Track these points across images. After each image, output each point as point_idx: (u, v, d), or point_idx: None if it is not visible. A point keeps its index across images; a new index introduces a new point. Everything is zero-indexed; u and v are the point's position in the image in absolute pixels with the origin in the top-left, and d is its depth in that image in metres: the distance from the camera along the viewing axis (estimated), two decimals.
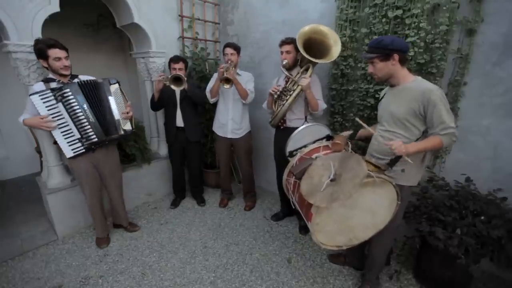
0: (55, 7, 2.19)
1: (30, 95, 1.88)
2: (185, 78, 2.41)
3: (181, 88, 2.43)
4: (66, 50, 1.96)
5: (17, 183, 3.71)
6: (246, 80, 2.62)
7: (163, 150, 3.26)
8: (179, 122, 2.77)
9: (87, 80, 2.05)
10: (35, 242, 2.43)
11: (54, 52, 1.88)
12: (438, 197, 1.91)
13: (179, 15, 3.04)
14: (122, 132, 2.18)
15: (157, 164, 3.19)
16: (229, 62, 2.48)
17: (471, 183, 1.92)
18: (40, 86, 1.95)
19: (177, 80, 2.42)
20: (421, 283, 2.00)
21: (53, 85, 1.96)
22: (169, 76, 2.42)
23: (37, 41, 1.90)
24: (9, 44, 1.99)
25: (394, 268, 2.11)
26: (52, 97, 1.91)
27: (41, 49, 1.87)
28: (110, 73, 4.10)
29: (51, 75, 1.99)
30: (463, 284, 1.85)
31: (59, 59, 1.90)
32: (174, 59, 2.59)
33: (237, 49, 2.55)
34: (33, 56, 2.08)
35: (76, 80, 2.05)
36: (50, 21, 2.24)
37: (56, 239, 2.49)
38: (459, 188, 1.92)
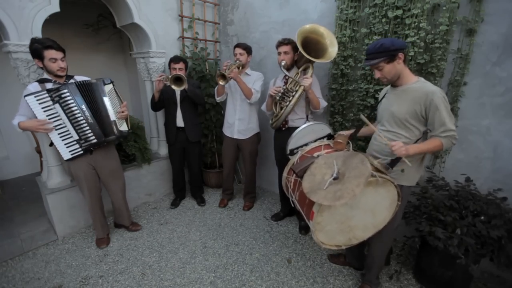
0: (55, 7, 2.19)
1: (25, 96, 1.79)
2: (186, 78, 2.42)
3: (182, 88, 2.43)
4: (63, 51, 1.89)
5: (17, 183, 3.71)
6: (254, 79, 2.62)
7: (163, 150, 3.26)
8: (180, 122, 2.77)
9: (83, 81, 1.99)
10: (35, 242, 2.43)
11: (50, 53, 1.81)
12: (438, 197, 1.91)
13: (179, 15, 3.04)
14: (118, 134, 2.14)
15: (157, 164, 3.19)
16: (237, 61, 2.52)
17: (471, 183, 1.93)
18: (35, 86, 1.86)
19: (177, 80, 2.42)
20: (421, 283, 1.99)
21: (49, 85, 1.90)
22: (170, 76, 2.42)
23: (33, 41, 1.81)
24: (9, 44, 1.99)
25: (394, 268, 2.11)
26: (49, 98, 1.84)
27: (36, 50, 1.79)
28: (110, 73, 4.13)
29: (46, 76, 1.93)
30: (463, 284, 1.85)
31: (55, 60, 1.83)
32: (175, 59, 2.59)
33: (246, 49, 2.57)
34: None
35: (72, 81, 1.98)
36: (50, 21, 2.25)
37: (56, 239, 2.49)
38: (459, 188, 1.92)
